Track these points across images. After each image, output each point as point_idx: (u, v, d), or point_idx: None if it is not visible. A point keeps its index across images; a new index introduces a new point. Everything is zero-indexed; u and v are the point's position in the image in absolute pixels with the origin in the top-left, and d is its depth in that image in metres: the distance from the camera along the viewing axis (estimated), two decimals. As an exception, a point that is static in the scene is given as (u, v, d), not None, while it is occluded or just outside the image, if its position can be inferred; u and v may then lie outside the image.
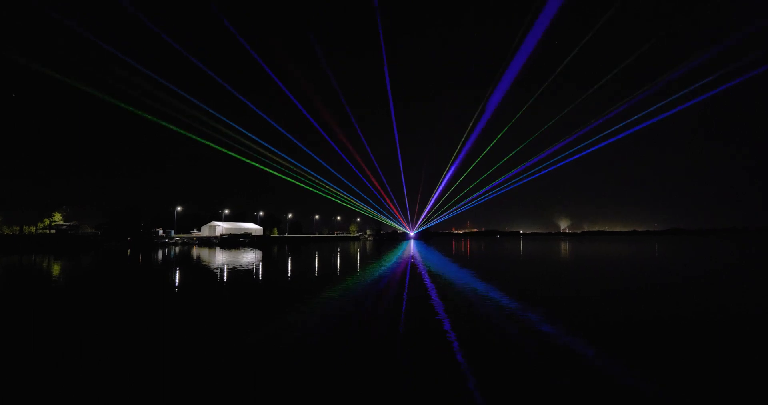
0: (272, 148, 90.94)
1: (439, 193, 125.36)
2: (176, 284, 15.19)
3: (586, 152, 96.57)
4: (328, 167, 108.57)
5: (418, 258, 29.51)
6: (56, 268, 21.84)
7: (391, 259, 28.07)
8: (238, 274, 18.28)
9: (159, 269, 21.71)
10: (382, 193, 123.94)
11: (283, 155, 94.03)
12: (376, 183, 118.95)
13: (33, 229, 71.68)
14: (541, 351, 6.29)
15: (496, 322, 8.36)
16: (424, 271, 18.99)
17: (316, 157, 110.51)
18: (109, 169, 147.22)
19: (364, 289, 13.11)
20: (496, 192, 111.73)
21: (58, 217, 75.45)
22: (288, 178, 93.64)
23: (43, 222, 73.70)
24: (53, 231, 64.54)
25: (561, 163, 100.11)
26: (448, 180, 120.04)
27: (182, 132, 79.72)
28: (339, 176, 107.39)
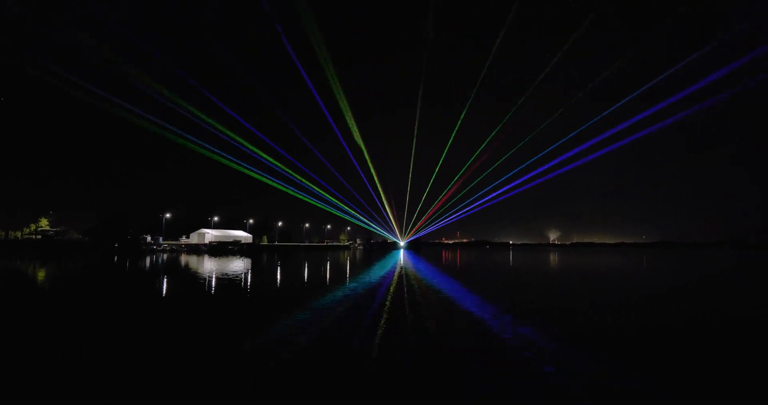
0: (264, 155, 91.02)
1: (430, 203, 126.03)
2: (156, 294, 15.23)
3: (575, 164, 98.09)
4: (318, 176, 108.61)
5: (409, 268, 29.71)
6: (39, 275, 21.69)
7: (382, 269, 28.23)
8: (225, 283, 18.34)
9: (141, 278, 21.66)
10: (373, 203, 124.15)
11: (272, 166, 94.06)
12: (366, 192, 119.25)
13: (19, 234, 70.63)
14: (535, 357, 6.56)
15: (486, 328, 8.61)
16: (414, 282, 19.21)
17: (308, 166, 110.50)
18: (99, 174, 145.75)
19: (355, 300, 13.27)
20: (486, 203, 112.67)
21: (44, 223, 74.43)
22: (279, 185, 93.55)
23: (29, 227, 72.65)
24: (39, 236, 63.67)
25: (550, 175, 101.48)
26: (439, 190, 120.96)
27: (179, 132, 79.57)
28: (330, 185, 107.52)
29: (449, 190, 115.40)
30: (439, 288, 16.72)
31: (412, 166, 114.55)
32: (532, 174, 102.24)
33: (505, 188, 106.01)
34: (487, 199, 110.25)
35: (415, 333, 8.40)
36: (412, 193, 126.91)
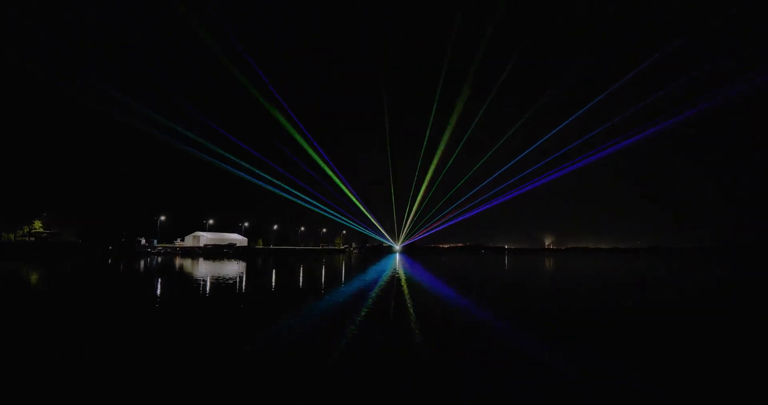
0: (260, 158, 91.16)
1: (426, 207, 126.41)
2: (149, 299, 15.37)
3: (569, 170, 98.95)
4: (315, 180, 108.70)
5: (404, 272, 29.92)
6: (34, 278, 21.74)
7: (377, 273, 28.42)
8: (219, 287, 18.50)
9: (134, 282, 21.75)
10: (370, 207, 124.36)
11: (265, 175, 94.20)
12: (362, 196, 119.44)
13: (12, 236, 70.18)
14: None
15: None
16: (408, 285, 19.45)
17: (305, 171, 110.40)
18: (94, 176, 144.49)
19: (352, 303, 13.49)
20: (481, 207, 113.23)
21: (38, 225, 73.97)
22: (275, 189, 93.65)
23: (23, 229, 72.17)
24: (32, 239, 63.41)
25: (545, 180, 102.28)
26: (434, 195, 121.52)
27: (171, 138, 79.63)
28: (326, 189, 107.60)
29: (431, 190, 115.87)
30: (423, 284, 16.99)
31: (417, 172, 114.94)
32: (527, 173, 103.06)
33: (500, 188, 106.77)
34: (481, 199, 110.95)
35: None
36: (409, 198, 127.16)
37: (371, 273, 28.42)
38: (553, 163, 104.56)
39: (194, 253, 72.89)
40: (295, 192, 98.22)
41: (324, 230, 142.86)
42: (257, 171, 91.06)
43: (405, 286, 18.66)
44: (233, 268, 31.28)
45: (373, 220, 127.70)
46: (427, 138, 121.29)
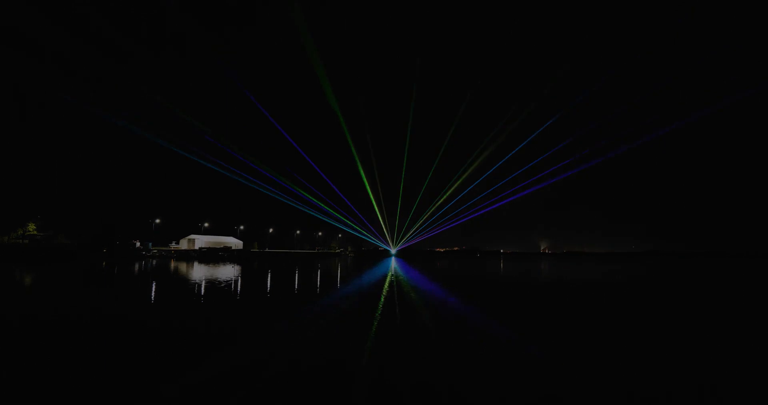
0: (255, 162, 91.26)
1: (422, 211, 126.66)
2: (142, 302, 15.54)
3: (567, 174, 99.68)
4: (311, 184, 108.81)
5: (399, 273, 30.18)
6: (29, 280, 21.80)
7: (372, 276, 28.66)
8: (216, 291, 18.69)
9: (129, 284, 21.88)
10: (366, 211, 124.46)
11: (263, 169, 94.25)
12: (359, 201, 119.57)
13: (6, 239, 69.79)
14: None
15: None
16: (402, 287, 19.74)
17: (301, 174, 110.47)
18: (89, 178, 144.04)
19: (348, 301, 13.76)
20: (476, 212, 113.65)
21: (32, 227, 73.55)
22: (270, 193, 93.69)
23: (17, 232, 71.75)
24: (26, 241, 63.15)
25: (543, 185, 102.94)
26: (431, 199, 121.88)
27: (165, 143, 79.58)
28: (323, 193, 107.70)
29: (441, 199, 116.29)
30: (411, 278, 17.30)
31: (404, 174, 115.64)
32: (522, 170, 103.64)
33: (494, 188, 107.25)
34: (473, 200, 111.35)
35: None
36: (404, 202, 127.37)
37: (366, 276, 28.67)
38: (549, 166, 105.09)
39: (189, 256, 72.76)
40: (294, 190, 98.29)
41: (320, 234, 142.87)
42: (252, 175, 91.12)
43: (397, 287, 18.97)
44: (229, 272, 31.40)
45: (377, 222, 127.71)
46: (408, 139, 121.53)
